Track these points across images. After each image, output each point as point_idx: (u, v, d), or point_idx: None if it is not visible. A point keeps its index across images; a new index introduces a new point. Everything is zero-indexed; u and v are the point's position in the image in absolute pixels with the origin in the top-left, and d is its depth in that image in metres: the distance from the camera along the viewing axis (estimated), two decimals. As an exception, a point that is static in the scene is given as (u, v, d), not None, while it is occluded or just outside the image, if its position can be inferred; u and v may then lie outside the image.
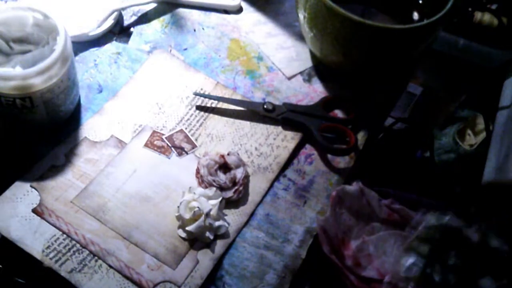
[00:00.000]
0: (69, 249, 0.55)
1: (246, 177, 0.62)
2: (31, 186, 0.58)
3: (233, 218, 0.60)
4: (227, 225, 0.59)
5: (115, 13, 0.73)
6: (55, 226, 0.56)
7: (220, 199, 0.59)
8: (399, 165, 0.79)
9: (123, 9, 0.75)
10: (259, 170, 0.64)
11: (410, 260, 0.58)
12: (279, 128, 0.68)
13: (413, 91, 0.94)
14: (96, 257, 0.55)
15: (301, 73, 0.74)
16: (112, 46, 0.72)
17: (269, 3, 0.81)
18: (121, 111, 0.66)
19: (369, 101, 0.72)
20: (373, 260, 0.59)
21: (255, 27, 0.78)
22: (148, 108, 0.67)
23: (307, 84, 0.73)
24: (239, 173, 0.61)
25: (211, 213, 0.58)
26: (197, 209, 0.57)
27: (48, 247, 0.54)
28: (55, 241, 0.55)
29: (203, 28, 0.76)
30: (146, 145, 0.64)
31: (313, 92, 0.72)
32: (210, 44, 0.75)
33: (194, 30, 0.76)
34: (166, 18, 0.76)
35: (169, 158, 0.63)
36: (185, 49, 0.74)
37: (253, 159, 0.65)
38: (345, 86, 0.73)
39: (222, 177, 0.61)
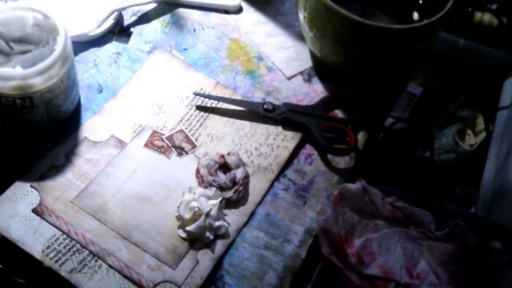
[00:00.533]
0: (69, 249, 0.55)
1: (246, 177, 0.62)
2: (31, 186, 0.58)
3: (233, 218, 0.60)
4: (227, 225, 0.59)
5: (115, 13, 0.73)
6: (55, 226, 0.56)
7: (220, 199, 0.59)
8: (399, 165, 0.79)
9: (123, 9, 0.75)
10: (259, 170, 0.64)
11: None
12: (279, 128, 0.68)
13: (413, 91, 0.94)
14: (96, 257, 0.55)
15: (301, 73, 0.74)
16: (112, 46, 0.72)
17: (269, 3, 0.81)
18: (121, 111, 0.66)
19: (369, 101, 0.72)
20: (376, 258, 0.59)
21: (255, 27, 0.78)
22: (148, 108, 0.67)
23: (307, 84, 0.73)
24: (239, 173, 0.61)
25: (211, 213, 0.58)
26: (197, 209, 0.57)
27: (48, 247, 0.54)
28: (55, 241, 0.55)
29: (203, 28, 0.76)
30: (146, 145, 0.63)
31: (313, 92, 0.72)
32: (210, 44, 0.75)
33: (194, 30, 0.76)
34: (166, 18, 0.76)
35: (169, 158, 0.63)
36: (185, 49, 0.74)
37: (253, 159, 0.65)
38: (345, 86, 0.73)
39: (222, 177, 0.61)
